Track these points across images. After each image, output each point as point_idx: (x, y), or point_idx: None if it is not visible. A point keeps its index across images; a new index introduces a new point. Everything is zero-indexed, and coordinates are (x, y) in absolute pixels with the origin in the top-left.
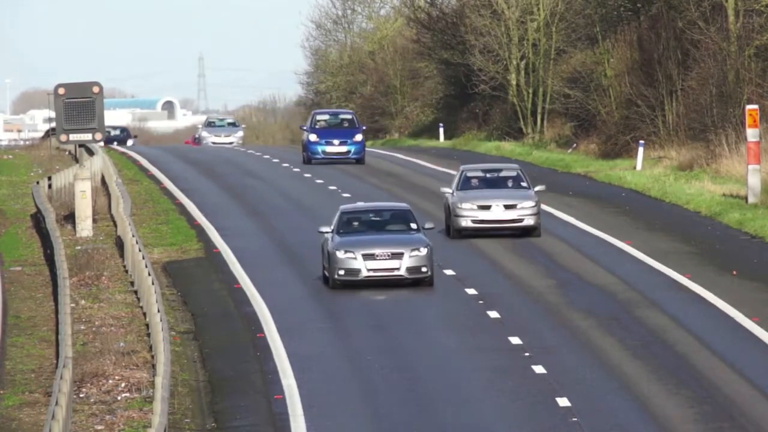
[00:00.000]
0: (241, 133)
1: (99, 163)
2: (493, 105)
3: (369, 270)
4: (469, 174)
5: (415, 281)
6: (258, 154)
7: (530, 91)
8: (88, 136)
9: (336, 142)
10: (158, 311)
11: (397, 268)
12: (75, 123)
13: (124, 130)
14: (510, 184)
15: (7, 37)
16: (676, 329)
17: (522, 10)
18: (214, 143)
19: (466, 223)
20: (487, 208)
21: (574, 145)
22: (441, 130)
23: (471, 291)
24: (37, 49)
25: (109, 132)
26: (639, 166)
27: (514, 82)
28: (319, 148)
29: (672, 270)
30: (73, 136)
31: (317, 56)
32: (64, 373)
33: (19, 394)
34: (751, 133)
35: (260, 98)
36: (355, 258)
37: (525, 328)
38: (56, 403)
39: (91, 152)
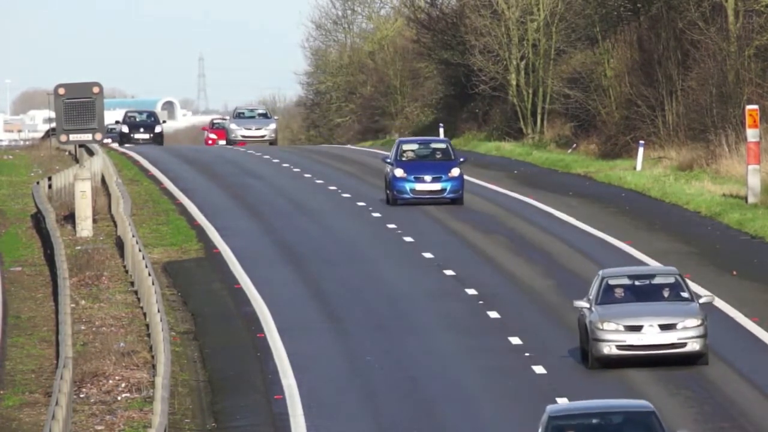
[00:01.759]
0: (274, 126)
1: (99, 163)
2: (493, 105)
3: None
4: (612, 282)
5: None
6: (258, 154)
7: (530, 91)
8: (88, 137)
9: (427, 178)
10: (158, 311)
11: None
12: (75, 123)
13: (151, 114)
14: (666, 294)
15: (7, 37)
16: None
17: (522, 10)
18: (243, 137)
19: (609, 349)
20: (638, 329)
21: (574, 145)
22: (441, 131)
23: (471, 291)
24: (37, 49)
25: (134, 117)
26: (639, 167)
27: (514, 83)
28: (407, 186)
29: None
30: (73, 137)
31: (317, 56)
32: (64, 373)
33: (19, 394)
34: (751, 134)
35: (260, 98)
36: None
37: (525, 328)
38: (56, 403)
39: (91, 152)
